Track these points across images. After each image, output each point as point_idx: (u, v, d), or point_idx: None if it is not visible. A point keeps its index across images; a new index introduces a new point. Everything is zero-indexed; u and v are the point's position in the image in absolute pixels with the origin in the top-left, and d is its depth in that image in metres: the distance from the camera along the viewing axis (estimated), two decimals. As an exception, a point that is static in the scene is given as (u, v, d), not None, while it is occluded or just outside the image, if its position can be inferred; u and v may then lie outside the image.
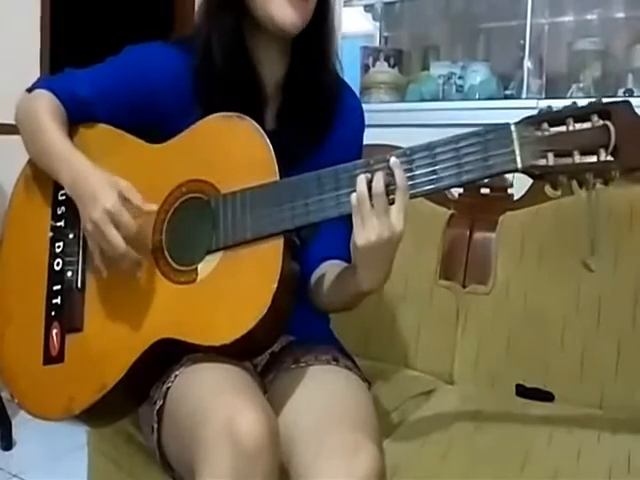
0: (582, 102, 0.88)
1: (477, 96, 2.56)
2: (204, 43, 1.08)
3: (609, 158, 0.85)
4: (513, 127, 0.88)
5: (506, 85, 2.60)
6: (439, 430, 1.20)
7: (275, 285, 0.92)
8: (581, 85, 2.43)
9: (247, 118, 1.01)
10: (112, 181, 1.00)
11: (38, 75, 2.49)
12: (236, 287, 0.96)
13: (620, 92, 2.37)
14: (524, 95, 2.49)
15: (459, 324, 1.52)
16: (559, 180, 0.87)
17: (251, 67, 1.09)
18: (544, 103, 2.32)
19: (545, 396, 1.38)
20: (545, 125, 0.87)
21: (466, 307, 1.52)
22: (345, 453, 0.87)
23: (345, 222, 0.95)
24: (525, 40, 2.48)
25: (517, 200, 1.59)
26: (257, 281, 0.95)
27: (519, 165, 0.87)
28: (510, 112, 2.34)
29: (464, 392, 1.42)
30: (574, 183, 0.87)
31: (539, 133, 0.87)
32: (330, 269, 1.10)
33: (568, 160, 0.86)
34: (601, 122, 0.85)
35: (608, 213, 1.37)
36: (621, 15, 2.54)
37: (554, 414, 1.28)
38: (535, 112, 0.90)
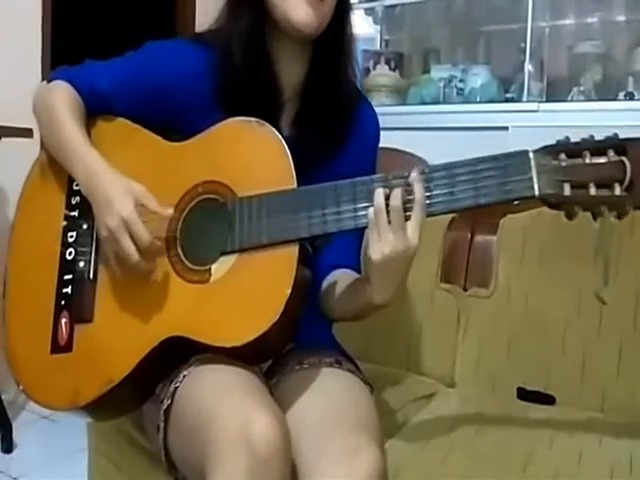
0: (599, 136, 0.89)
1: (478, 99, 2.56)
2: (224, 43, 1.07)
3: (624, 193, 0.86)
4: (531, 154, 0.89)
5: (507, 88, 2.61)
6: (440, 433, 1.20)
7: (289, 291, 0.93)
8: (582, 88, 2.44)
9: (266, 124, 1.01)
10: (128, 186, 1.00)
11: (39, 78, 2.49)
12: (249, 290, 0.97)
13: (621, 95, 2.37)
14: (525, 98, 2.49)
15: (460, 327, 1.52)
16: (574, 210, 0.88)
17: (270, 69, 1.09)
18: (545, 106, 2.34)
19: (546, 399, 1.38)
20: (562, 156, 0.89)
21: (467, 310, 1.52)
22: (347, 455, 0.88)
23: (356, 232, 0.96)
24: (526, 43, 2.49)
25: (518, 203, 1.59)
26: (271, 285, 0.95)
27: (536, 192, 0.88)
28: (511, 115, 2.36)
29: (465, 395, 1.42)
30: (588, 214, 0.88)
31: (556, 163, 0.89)
32: (341, 278, 1.10)
33: (583, 192, 0.87)
34: (617, 157, 0.87)
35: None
36: (622, 18, 2.55)
37: (555, 417, 1.28)
38: (556, 140, 0.90)
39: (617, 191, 0.86)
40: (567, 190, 0.87)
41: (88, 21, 3.74)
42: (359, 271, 1.14)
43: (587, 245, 1.37)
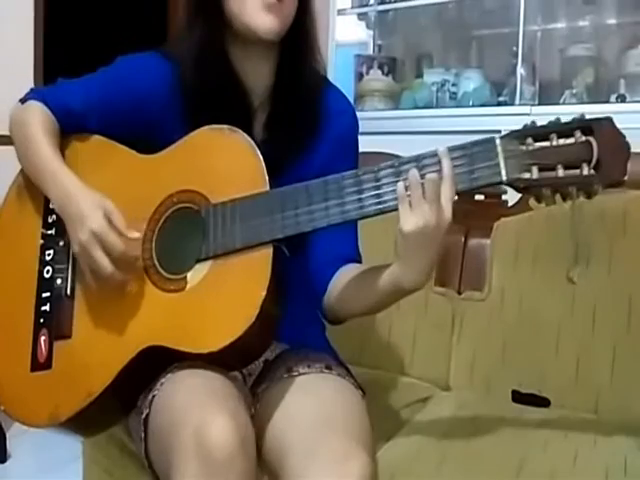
0: (565, 118, 0.90)
1: (470, 103, 2.57)
2: (182, 59, 1.08)
3: (591, 172, 0.87)
4: (498, 141, 0.90)
5: (499, 92, 2.61)
6: (436, 436, 1.20)
7: (264, 293, 0.93)
8: (574, 91, 2.44)
9: (238, 130, 1.02)
10: (98, 201, 1.01)
11: (32, 85, 2.48)
12: (225, 295, 0.97)
13: (613, 98, 2.37)
14: (517, 102, 2.49)
15: (454, 330, 1.52)
16: (543, 193, 0.89)
17: (233, 77, 1.09)
18: (537, 109, 2.34)
19: (541, 402, 1.38)
20: (529, 140, 0.89)
21: (461, 313, 1.52)
22: (335, 461, 0.87)
23: (351, 225, 0.95)
24: (518, 47, 2.49)
25: (511, 206, 1.60)
26: (246, 289, 0.95)
27: (504, 178, 0.89)
28: (503, 119, 2.36)
29: (460, 398, 1.42)
30: (558, 196, 0.89)
31: (523, 147, 0.89)
32: (354, 271, 1.08)
33: (552, 174, 0.88)
34: (584, 138, 0.87)
35: (601, 217, 1.38)
36: (613, 21, 2.55)
37: (550, 419, 1.28)
38: (523, 124, 0.91)
39: (585, 171, 0.87)
40: (535, 173, 0.88)
41: (80, 28, 3.74)
42: (360, 262, 1.14)
43: (570, 254, 1.37)
